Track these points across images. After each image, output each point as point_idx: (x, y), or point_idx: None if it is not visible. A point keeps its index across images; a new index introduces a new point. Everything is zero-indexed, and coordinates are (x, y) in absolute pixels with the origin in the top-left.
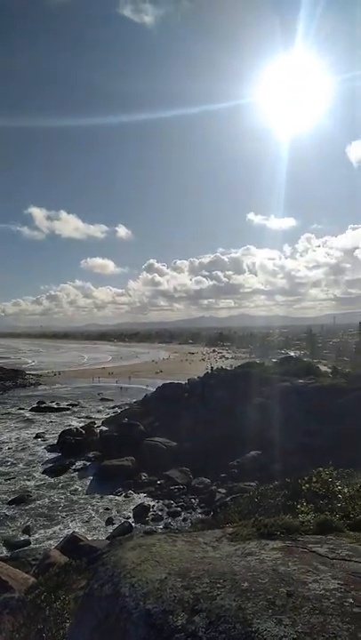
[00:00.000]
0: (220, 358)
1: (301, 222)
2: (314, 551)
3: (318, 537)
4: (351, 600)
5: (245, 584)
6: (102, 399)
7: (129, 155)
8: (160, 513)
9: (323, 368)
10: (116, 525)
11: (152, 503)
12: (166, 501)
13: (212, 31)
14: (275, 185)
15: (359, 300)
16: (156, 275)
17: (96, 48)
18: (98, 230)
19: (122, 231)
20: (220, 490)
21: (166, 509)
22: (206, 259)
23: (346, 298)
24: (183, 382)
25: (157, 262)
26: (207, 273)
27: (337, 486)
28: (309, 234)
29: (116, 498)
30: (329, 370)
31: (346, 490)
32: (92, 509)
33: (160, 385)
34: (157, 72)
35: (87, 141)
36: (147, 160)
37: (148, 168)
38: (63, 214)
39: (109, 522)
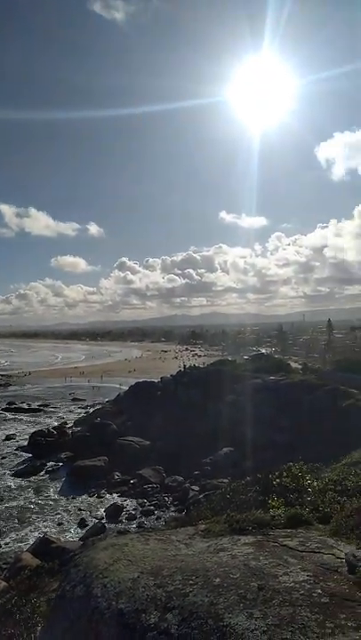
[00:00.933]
0: (193, 356)
1: (272, 221)
2: (285, 545)
3: (289, 530)
4: (320, 591)
5: (217, 580)
6: (74, 399)
7: (100, 152)
8: (133, 512)
9: (293, 365)
10: (89, 526)
11: (125, 503)
12: (140, 500)
13: (181, 30)
14: (246, 184)
15: (328, 297)
16: (128, 273)
17: (63, 43)
18: (69, 228)
19: (93, 229)
20: (193, 487)
21: (140, 508)
22: (179, 257)
23: (315, 295)
24: (156, 381)
25: (129, 260)
26: (180, 271)
27: (307, 480)
28: (280, 232)
29: (89, 498)
30: (299, 366)
31: (315, 484)
32: (65, 511)
33: (133, 384)
34: (128, 69)
35: (57, 137)
36: (118, 157)
37: (119, 165)
38: (33, 211)
39: (82, 523)
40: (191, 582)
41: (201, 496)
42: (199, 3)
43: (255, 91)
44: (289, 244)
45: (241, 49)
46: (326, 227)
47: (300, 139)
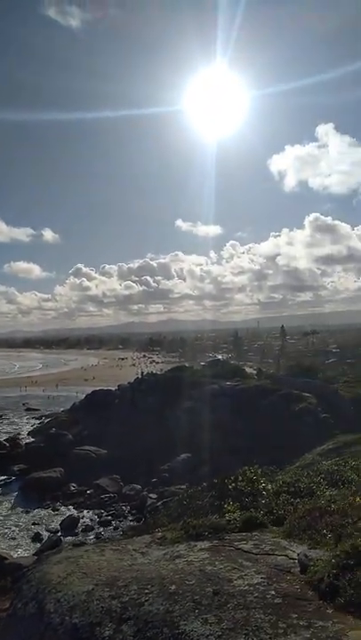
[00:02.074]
0: (151, 363)
1: (227, 230)
2: (240, 548)
3: (244, 534)
4: (273, 592)
5: (173, 587)
6: (28, 409)
7: (55, 156)
8: (90, 523)
9: (248, 370)
10: (43, 540)
11: (82, 514)
12: (97, 511)
13: (138, 39)
14: (202, 193)
15: (281, 304)
16: (84, 279)
17: (14, 44)
18: (23, 233)
19: (48, 235)
20: (151, 495)
21: (97, 519)
22: (135, 264)
23: (269, 302)
24: (113, 389)
25: (85, 267)
26: (137, 278)
27: (261, 484)
28: (234, 241)
29: (44, 511)
30: (254, 372)
31: (270, 487)
32: (17, 525)
33: (89, 392)
34: (84, 74)
35: (8, 140)
36: (73, 162)
37: (74, 171)
38: None
39: (37, 537)
40: (147, 591)
41: (159, 504)
42: (155, 14)
43: (210, 101)
44: (243, 253)
45: (195, 60)
46: (279, 236)
47: (253, 150)
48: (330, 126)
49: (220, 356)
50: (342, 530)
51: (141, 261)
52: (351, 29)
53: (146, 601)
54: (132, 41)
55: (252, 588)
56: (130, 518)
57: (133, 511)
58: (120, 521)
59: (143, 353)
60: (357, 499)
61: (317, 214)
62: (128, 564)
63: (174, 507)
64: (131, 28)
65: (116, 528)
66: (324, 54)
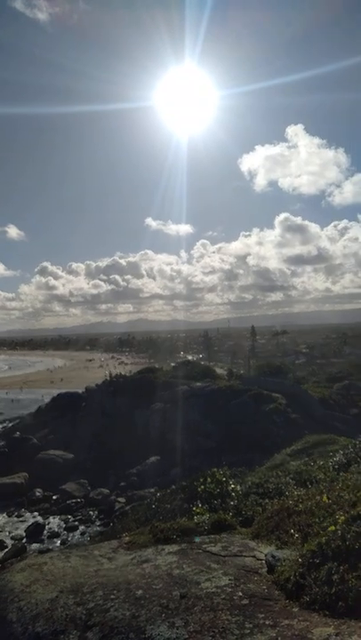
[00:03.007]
0: (120, 364)
1: (198, 229)
2: (208, 551)
3: (213, 536)
4: (240, 593)
5: (140, 592)
6: None
7: (21, 151)
8: (57, 529)
9: (219, 370)
10: (7, 548)
11: (48, 520)
12: (63, 517)
13: (107, 35)
14: (173, 192)
15: (251, 304)
16: (50, 278)
17: None
18: None
19: (13, 231)
20: (119, 499)
21: (63, 525)
22: (104, 262)
23: (239, 302)
24: (80, 391)
25: (52, 265)
26: (105, 277)
27: (230, 485)
28: (205, 240)
29: (8, 518)
30: (225, 372)
31: (239, 488)
32: None
33: (55, 395)
34: (51, 68)
35: None
36: (41, 158)
37: (42, 166)
38: None
39: (0, 545)
40: (113, 597)
41: (127, 508)
42: (123, 10)
43: (180, 99)
44: (214, 252)
45: (164, 58)
46: (249, 235)
47: (224, 149)
48: (300, 127)
49: (190, 357)
50: (309, 529)
51: (110, 260)
52: (320, 32)
53: (112, 607)
54: (100, 37)
55: (219, 590)
56: (97, 523)
57: (101, 516)
58: (87, 526)
59: (112, 354)
60: (324, 498)
61: (287, 214)
62: (94, 570)
63: (143, 510)
64: (99, 24)
65: (83, 534)
66: (294, 56)
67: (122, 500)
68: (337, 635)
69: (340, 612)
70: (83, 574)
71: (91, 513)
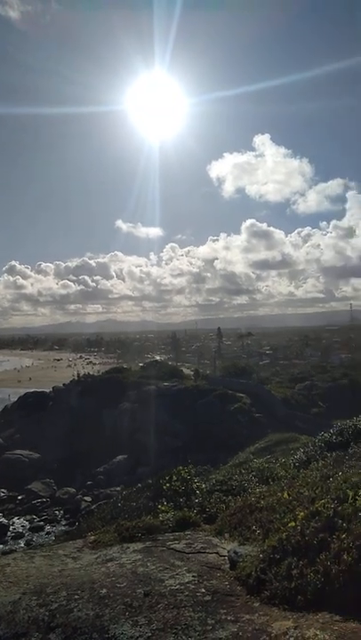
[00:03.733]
0: (88, 364)
1: (167, 232)
2: (172, 548)
3: (177, 534)
4: (203, 590)
5: (104, 591)
6: None
7: None
8: (21, 530)
9: (186, 371)
10: None
11: (12, 521)
12: (28, 517)
13: (78, 37)
14: (144, 195)
15: (218, 306)
16: (18, 277)
17: None
18: None
19: None
20: (85, 498)
21: (28, 525)
22: (73, 262)
23: (207, 305)
24: (48, 391)
25: (20, 264)
26: (74, 277)
27: (195, 483)
28: (174, 243)
29: None
30: (192, 372)
31: (203, 485)
32: None
33: (22, 394)
34: (21, 67)
35: None
36: (10, 157)
37: (10, 165)
38: None
39: None
40: (77, 597)
41: (93, 507)
42: (94, 13)
43: (151, 104)
44: (183, 255)
45: (135, 64)
46: (217, 240)
47: (193, 155)
48: (266, 137)
49: (158, 357)
50: (270, 525)
51: (80, 260)
52: (286, 43)
53: (75, 607)
54: (72, 38)
55: (182, 587)
56: (63, 523)
57: (67, 515)
58: (53, 526)
59: (80, 354)
60: (285, 494)
61: (254, 220)
62: (58, 570)
63: (108, 509)
64: (71, 25)
65: (48, 534)
66: (260, 64)
67: (88, 499)
68: (295, 628)
69: (299, 605)
70: (47, 575)
71: (57, 512)
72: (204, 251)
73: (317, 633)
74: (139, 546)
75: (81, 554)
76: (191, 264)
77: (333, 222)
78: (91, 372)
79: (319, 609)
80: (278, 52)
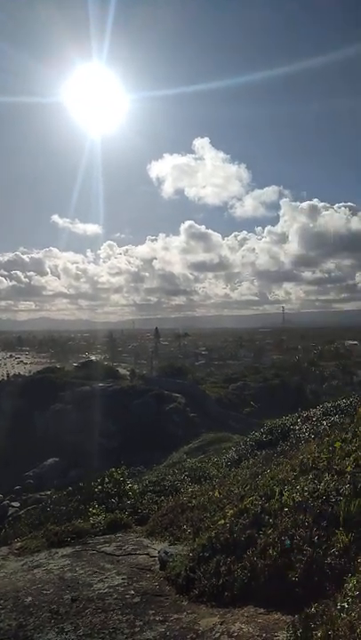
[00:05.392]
0: (18, 364)
1: (105, 230)
2: (102, 551)
3: (108, 536)
4: (133, 592)
5: (29, 599)
6: None
7: None
8: None
9: (122, 371)
10: None
11: None
12: None
13: (8, 23)
14: (82, 191)
15: (156, 306)
16: None
17: None
18: None
19: None
20: (13, 504)
21: None
22: (5, 257)
23: (145, 304)
24: None
25: None
26: (6, 272)
27: (128, 484)
28: (112, 242)
29: None
30: (128, 372)
31: (136, 487)
32: None
33: None
34: None
35: None
36: None
37: None
38: None
39: None
40: None
41: (21, 512)
42: (23, 3)
43: (90, 99)
44: (121, 254)
45: (71, 55)
46: (156, 240)
47: (133, 153)
48: (206, 140)
49: (93, 357)
50: (201, 524)
51: (12, 255)
52: (228, 43)
53: None
54: (2, 25)
55: (112, 590)
56: None
57: None
58: None
59: (10, 353)
60: (216, 493)
61: (192, 222)
62: None
63: (37, 514)
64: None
65: None
66: (200, 65)
67: (16, 504)
68: (222, 624)
69: (226, 601)
70: None
71: None
72: (142, 250)
73: (242, 627)
74: (68, 550)
75: (6, 562)
76: (129, 263)
77: (268, 228)
78: (21, 372)
79: (245, 603)
80: (220, 52)
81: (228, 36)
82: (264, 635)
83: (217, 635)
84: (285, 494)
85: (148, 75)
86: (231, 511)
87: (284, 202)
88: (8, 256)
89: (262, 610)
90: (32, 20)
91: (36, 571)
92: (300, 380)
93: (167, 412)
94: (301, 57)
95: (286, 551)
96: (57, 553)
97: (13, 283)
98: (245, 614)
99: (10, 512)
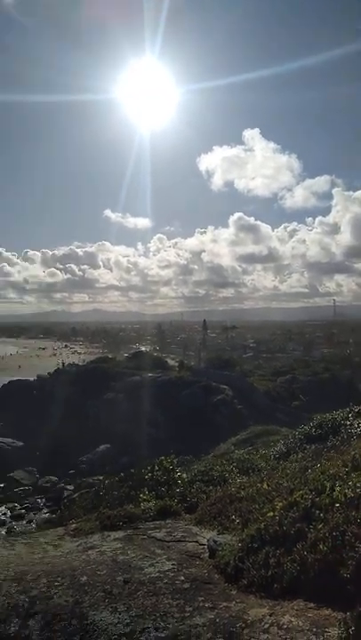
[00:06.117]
0: (73, 354)
1: (155, 223)
2: (152, 536)
3: (158, 522)
4: (182, 578)
5: (84, 578)
6: None
7: None
8: (3, 518)
9: (171, 362)
10: None
11: None
12: (10, 505)
13: (68, 24)
14: (132, 185)
15: (204, 299)
16: (5, 264)
17: None
18: None
19: None
20: (68, 487)
21: (9, 513)
22: (61, 251)
23: (193, 297)
24: (32, 379)
25: (7, 251)
26: (61, 266)
27: (177, 473)
28: (162, 235)
29: None
30: (176, 364)
31: (185, 475)
32: None
33: (6, 382)
34: (11, 54)
35: None
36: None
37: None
38: None
39: None
40: (57, 584)
41: (75, 495)
42: (84, 3)
43: (141, 93)
44: (170, 247)
45: (125, 51)
46: (205, 232)
47: (183, 147)
48: (256, 131)
49: (143, 348)
50: (249, 515)
51: (67, 249)
52: (277, 31)
53: (55, 594)
54: (59, 24)
55: (162, 575)
56: (45, 511)
57: (49, 504)
58: (35, 514)
59: (65, 343)
60: (265, 485)
61: (241, 214)
62: (39, 558)
63: (90, 498)
64: (59, 12)
65: (29, 521)
66: (251, 53)
67: (70, 487)
68: (271, 615)
69: (275, 593)
70: (27, 562)
71: (39, 501)
72: (191, 243)
73: (292, 620)
74: (120, 534)
75: (62, 542)
76: (178, 256)
77: (319, 218)
78: (75, 362)
79: (295, 597)
80: (271, 39)
81: (277, 20)
82: (315, 629)
83: (266, 626)
84: (337, 490)
85: (198, 66)
86: (280, 504)
87: (336, 191)
88: (63, 250)
89: (312, 604)
90: (90, 19)
91: (90, 552)
92: (351, 375)
93: (215, 404)
94: (356, 35)
95: (338, 547)
96: (109, 536)
97: (68, 276)
98: (295, 607)
99: (65, 494)
